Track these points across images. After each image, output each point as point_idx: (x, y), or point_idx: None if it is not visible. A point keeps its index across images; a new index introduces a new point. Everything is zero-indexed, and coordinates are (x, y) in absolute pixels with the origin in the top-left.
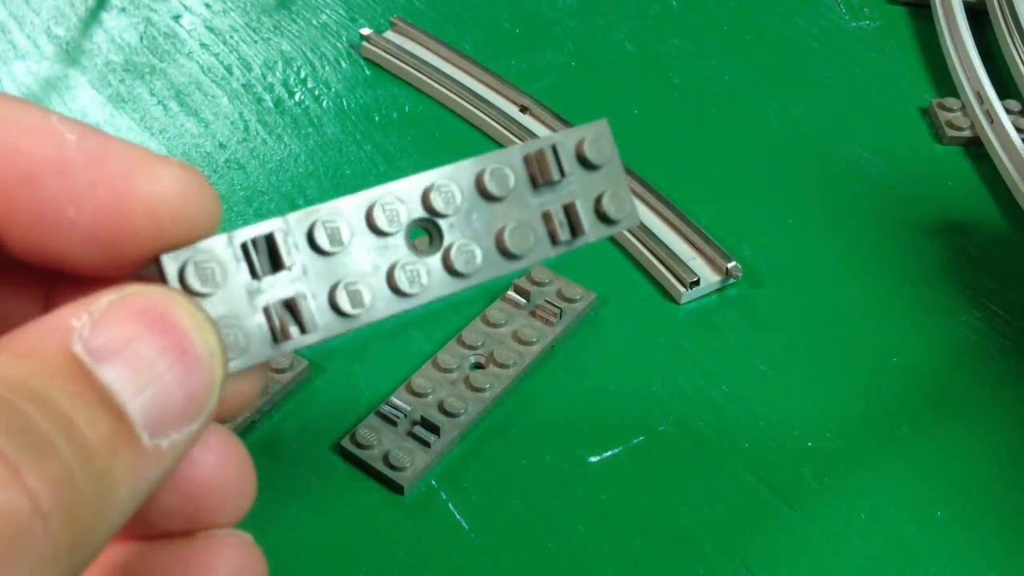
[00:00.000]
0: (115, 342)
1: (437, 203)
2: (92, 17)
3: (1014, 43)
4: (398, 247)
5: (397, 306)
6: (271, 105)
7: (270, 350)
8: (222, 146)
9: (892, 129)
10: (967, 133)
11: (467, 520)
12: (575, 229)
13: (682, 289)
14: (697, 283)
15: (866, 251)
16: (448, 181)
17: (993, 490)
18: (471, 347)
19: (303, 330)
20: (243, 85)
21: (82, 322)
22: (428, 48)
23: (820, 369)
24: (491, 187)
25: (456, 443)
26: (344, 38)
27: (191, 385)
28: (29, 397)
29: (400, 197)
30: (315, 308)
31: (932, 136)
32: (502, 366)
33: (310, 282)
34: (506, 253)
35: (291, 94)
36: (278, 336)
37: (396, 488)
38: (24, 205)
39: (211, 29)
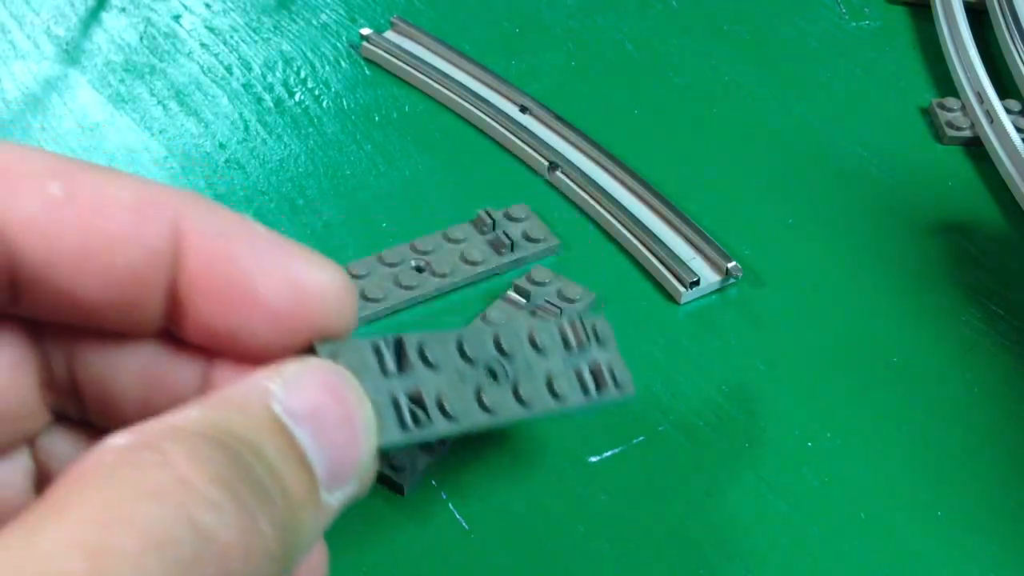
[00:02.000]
0: (306, 406)
1: (505, 345)
2: (92, 17)
3: (1014, 43)
4: (480, 372)
5: (483, 420)
6: (271, 105)
7: (398, 435)
8: (222, 146)
9: (892, 129)
10: (967, 133)
11: (467, 520)
12: (599, 385)
13: (682, 289)
14: (697, 283)
15: (866, 251)
16: (511, 332)
17: (993, 490)
18: None
19: (429, 419)
20: (243, 85)
21: (277, 385)
22: (428, 48)
23: (820, 369)
24: (540, 341)
25: (456, 444)
26: (344, 38)
27: (356, 451)
28: (248, 450)
29: (480, 336)
30: (431, 406)
31: (932, 136)
32: None
33: (425, 385)
34: (554, 394)
35: (291, 94)
36: (407, 424)
37: (396, 488)
38: (221, 283)
39: (211, 29)
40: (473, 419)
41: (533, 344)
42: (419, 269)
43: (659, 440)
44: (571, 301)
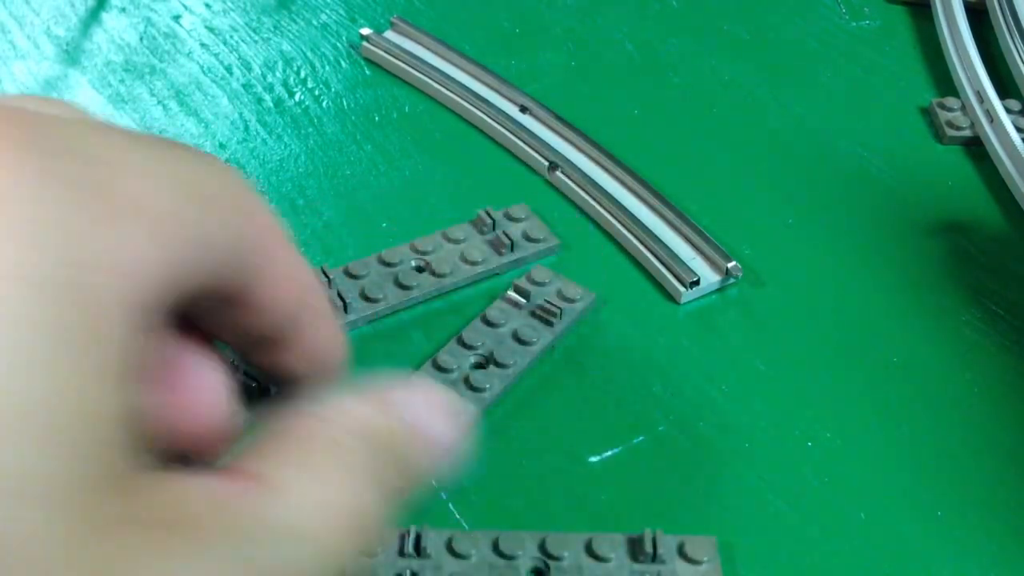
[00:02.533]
0: (422, 419)
1: (553, 548)
2: (92, 17)
3: (1014, 43)
4: (518, 570)
5: None
6: (271, 105)
7: None
8: (222, 146)
9: (892, 129)
10: (967, 133)
11: (467, 520)
12: None
13: (682, 289)
14: (697, 283)
15: (866, 251)
16: (563, 540)
17: (993, 490)
18: (471, 347)
19: None
20: (243, 85)
21: (402, 399)
22: (428, 48)
23: (820, 369)
24: (599, 550)
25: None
26: (344, 38)
27: (443, 455)
28: (394, 457)
29: (524, 539)
30: None
31: (932, 136)
32: (502, 366)
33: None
34: None
35: (291, 94)
36: None
37: None
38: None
39: (211, 29)
40: None
41: (590, 553)
42: (419, 269)
43: (659, 440)
44: (571, 301)
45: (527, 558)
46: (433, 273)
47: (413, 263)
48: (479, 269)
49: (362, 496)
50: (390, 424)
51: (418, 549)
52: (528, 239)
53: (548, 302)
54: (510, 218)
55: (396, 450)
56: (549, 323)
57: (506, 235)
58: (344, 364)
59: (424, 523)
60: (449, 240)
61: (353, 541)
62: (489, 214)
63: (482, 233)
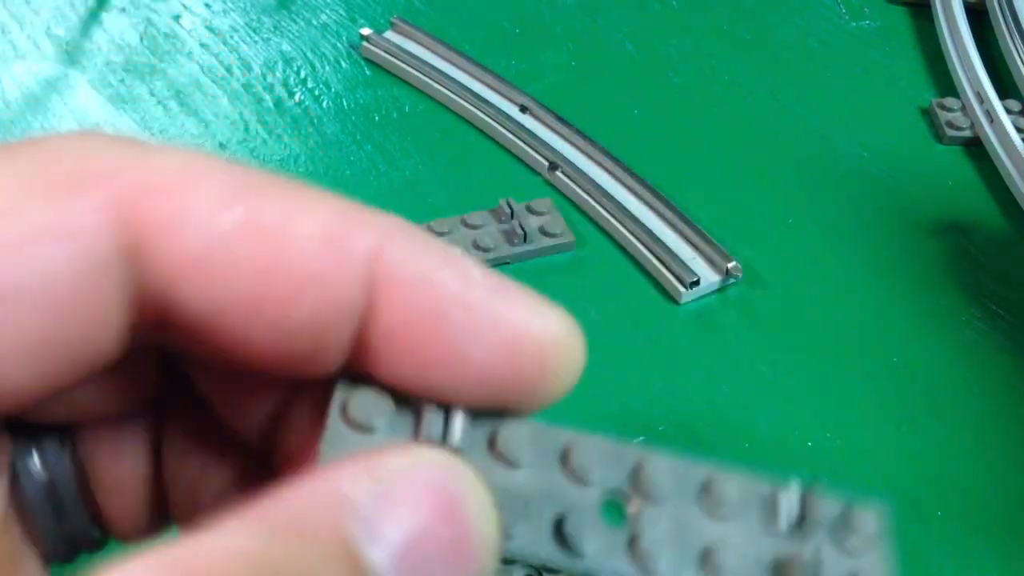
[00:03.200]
0: (398, 529)
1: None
2: (92, 17)
3: (1014, 43)
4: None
5: (546, 553)
6: (271, 105)
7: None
8: (222, 146)
9: (892, 129)
10: (967, 133)
11: None
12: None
13: (682, 289)
14: (697, 283)
15: (866, 251)
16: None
17: (993, 490)
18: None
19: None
20: (243, 85)
21: (364, 492)
22: (428, 48)
23: (820, 369)
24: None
25: None
26: (344, 38)
27: None
28: None
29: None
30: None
31: (932, 136)
32: None
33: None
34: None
35: (291, 94)
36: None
37: None
38: (423, 338)
39: (211, 29)
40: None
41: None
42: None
43: (659, 440)
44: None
45: (523, 563)
46: None
47: None
48: (488, 256)
49: None
50: (305, 559)
51: None
52: (544, 233)
53: (522, 225)
54: (531, 211)
55: None
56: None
57: (521, 227)
58: (559, 374)
59: None
60: (466, 225)
61: None
62: (509, 204)
63: (500, 222)
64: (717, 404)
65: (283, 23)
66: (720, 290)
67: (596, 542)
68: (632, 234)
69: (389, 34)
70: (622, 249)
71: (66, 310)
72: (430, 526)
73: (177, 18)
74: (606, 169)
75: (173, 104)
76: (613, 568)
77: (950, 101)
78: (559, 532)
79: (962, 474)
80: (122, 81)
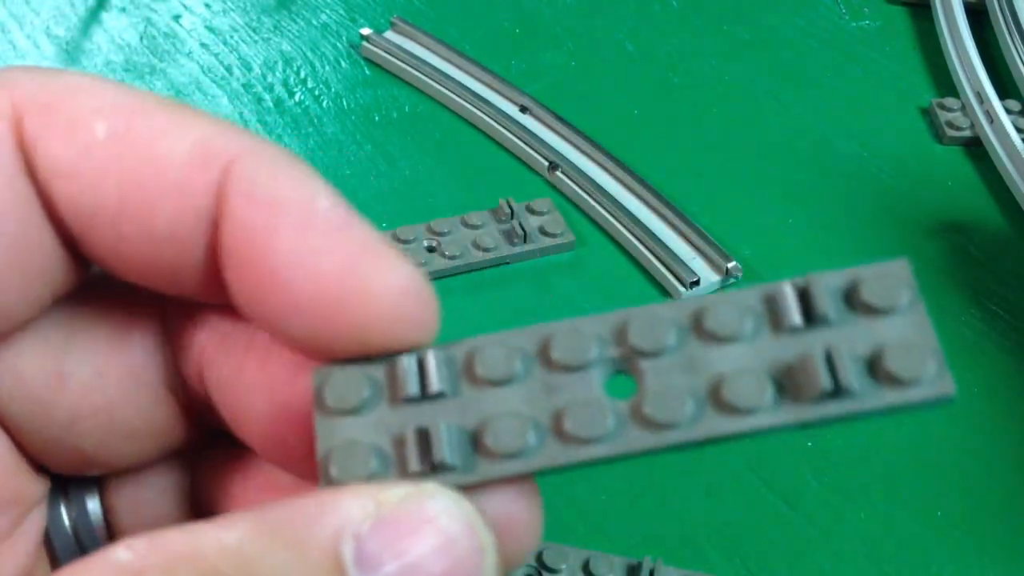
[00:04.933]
0: (394, 557)
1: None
2: (92, 17)
3: (1014, 43)
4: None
5: (561, 456)
6: (271, 105)
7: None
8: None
9: (892, 129)
10: (967, 133)
11: None
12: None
13: (682, 289)
14: (697, 283)
15: (866, 251)
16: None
17: (993, 490)
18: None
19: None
20: (243, 85)
21: (366, 514)
22: (428, 48)
23: None
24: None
25: None
26: (344, 38)
27: None
28: None
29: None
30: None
31: (932, 136)
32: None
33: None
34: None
35: (291, 94)
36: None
37: None
38: (255, 256)
39: (211, 29)
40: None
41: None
42: (430, 249)
43: None
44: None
45: (522, 565)
46: (443, 254)
47: (426, 243)
48: (488, 256)
49: None
50: (280, 563)
51: None
52: (544, 233)
53: (522, 225)
54: (531, 211)
55: None
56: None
57: (521, 226)
58: (395, 314)
59: None
60: (466, 225)
61: None
62: (509, 204)
63: (500, 222)
64: None
65: (283, 23)
66: (720, 290)
67: (603, 425)
68: (632, 234)
69: (389, 34)
70: (622, 249)
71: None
72: (426, 558)
73: (177, 18)
74: (606, 169)
75: None
76: (624, 443)
77: (950, 101)
78: (562, 430)
79: (962, 474)
80: (122, 81)
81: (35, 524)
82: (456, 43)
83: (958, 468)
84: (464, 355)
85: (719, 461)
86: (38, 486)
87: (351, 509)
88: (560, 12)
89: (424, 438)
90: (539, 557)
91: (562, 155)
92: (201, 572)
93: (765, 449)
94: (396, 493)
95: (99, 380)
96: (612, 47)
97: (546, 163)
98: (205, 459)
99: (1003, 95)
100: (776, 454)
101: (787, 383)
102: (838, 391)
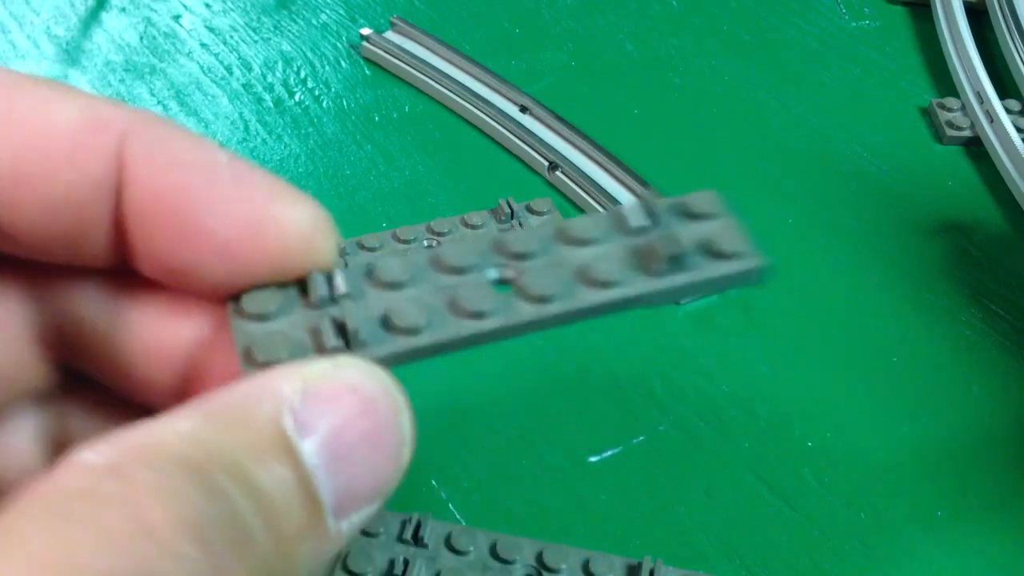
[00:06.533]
0: (324, 421)
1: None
2: (92, 17)
3: (1014, 43)
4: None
5: (461, 329)
6: (271, 105)
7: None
8: (222, 146)
9: (892, 129)
10: (967, 133)
11: (467, 520)
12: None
13: None
14: None
15: (866, 251)
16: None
17: (993, 490)
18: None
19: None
20: (243, 85)
21: (295, 390)
22: (428, 48)
23: (820, 369)
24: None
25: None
26: (344, 38)
27: (379, 472)
28: (233, 475)
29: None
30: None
31: (932, 136)
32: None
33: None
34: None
35: (291, 94)
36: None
37: None
38: (170, 215)
39: (211, 29)
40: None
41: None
42: (429, 248)
43: (659, 440)
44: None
45: (522, 565)
46: None
47: (426, 243)
48: None
49: None
50: (230, 440)
51: (416, 538)
52: None
53: (522, 225)
54: (531, 211)
55: (240, 488)
56: None
57: (521, 227)
58: (300, 243)
59: (428, 512)
60: (466, 225)
61: None
62: (509, 204)
63: (499, 222)
64: (717, 404)
65: (283, 23)
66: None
67: (492, 303)
68: None
69: (389, 34)
70: None
71: None
72: (351, 419)
73: (177, 18)
74: (606, 169)
75: (173, 104)
76: (511, 315)
77: (950, 101)
78: (457, 308)
79: (962, 474)
80: (122, 81)
81: None
82: (456, 43)
83: (958, 468)
84: (365, 267)
85: (719, 462)
86: None
87: (283, 387)
88: (560, 12)
89: (337, 323)
90: (539, 557)
91: (562, 155)
92: (170, 459)
93: (765, 449)
94: (319, 367)
95: None
96: (612, 47)
97: (546, 163)
98: (68, 405)
99: (1003, 95)
100: (776, 454)
101: (640, 262)
102: (681, 263)
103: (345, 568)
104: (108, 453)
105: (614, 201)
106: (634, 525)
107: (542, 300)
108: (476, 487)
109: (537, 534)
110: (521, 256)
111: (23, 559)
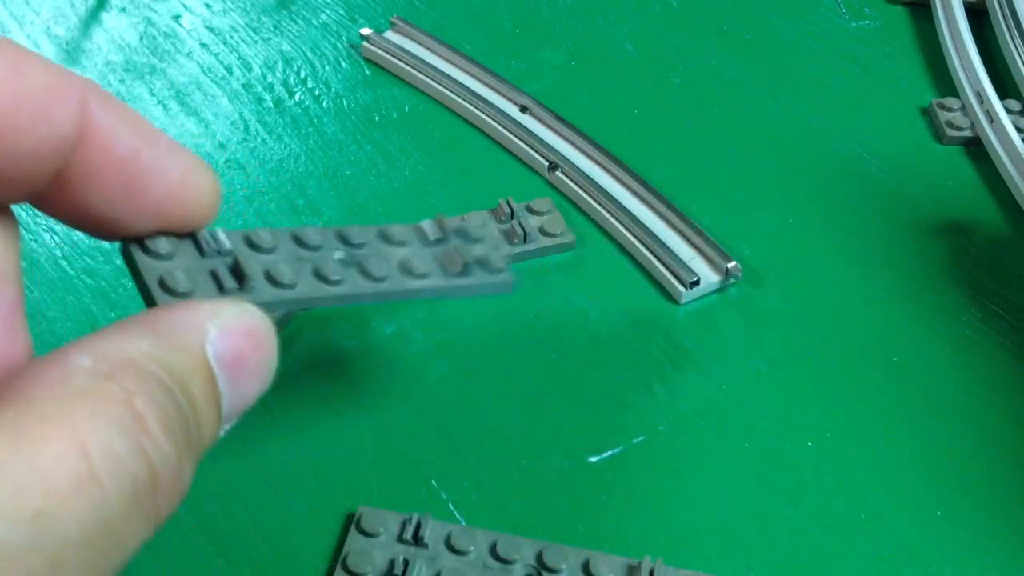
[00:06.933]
0: (232, 353)
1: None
2: (92, 17)
3: (1014, 43)
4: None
5: (320, 291)
6: (271, 105)
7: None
8: (222, 146)
9: (892, 129)
10: (967, 133)
11: (467, 520)
12: (466, 267)
13: (682, 289)
14: (697, 283)
15: (866, 251)
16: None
17: (993, 490)
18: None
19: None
20: (243, 85)
21: (215, 327)
22: (428, 48)
23: (820, 369)
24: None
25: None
26: (344, 38)
27: (256, 392)
28: (181, 388)
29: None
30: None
31: (932, 136)
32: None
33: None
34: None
35: (291, 94)
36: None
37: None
38: (120, 172)
39: (211, 29)
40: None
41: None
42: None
43: (659, 440)
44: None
45: (522, 565)
46: None
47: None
48: None
49: (130, 465)
50: (177, 361)
51: (416, 538)
52: (544, 233)
53: (522, 225)
54: (531, 211)
55: (184, 397)
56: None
57: (521, 226)
58: (208, 205)
59: (428, 512)
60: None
61: (86, 518)
62: (509, 204)
63: (500, 222)
64: (717, 404)
65: (283, 23)
66: (720, 290)
67: (343, 275)
68: (632, 234)
69: (389, 34)
70: (622, 249)
71: None
72: (248, 352)
73: (177, 18)
74: (606, 169)
75: (173, 104)
76: (357, 286)
77: (950, 101)
78: (319, 275)
79: (962, 474)
80: (122, 81)
81: None
82: (456, 43)
83: (958, 468)
84: (242, 235)
85: (719, 462)
86: None
87: (207, 324)
88: (560, 12)
89: (232, 270)
90: (539, 557)
91: (562, 155)
92: (145, 372)
93: (765, 449)
94: (231, 310)
95: None
96: (612, 47)
97: (546, 163)
98: None
99: (1003, 95)
100: (776, 454)
101: (442, 265)
102: (468, 270)
103: (345, 568)
104: (99, 362)
105: (614, 201)
106: (634, 525)
107: (379, 279)
108: (476, 487)
109: (537, 534)
110: (357, 246)
111: (68, 443)
